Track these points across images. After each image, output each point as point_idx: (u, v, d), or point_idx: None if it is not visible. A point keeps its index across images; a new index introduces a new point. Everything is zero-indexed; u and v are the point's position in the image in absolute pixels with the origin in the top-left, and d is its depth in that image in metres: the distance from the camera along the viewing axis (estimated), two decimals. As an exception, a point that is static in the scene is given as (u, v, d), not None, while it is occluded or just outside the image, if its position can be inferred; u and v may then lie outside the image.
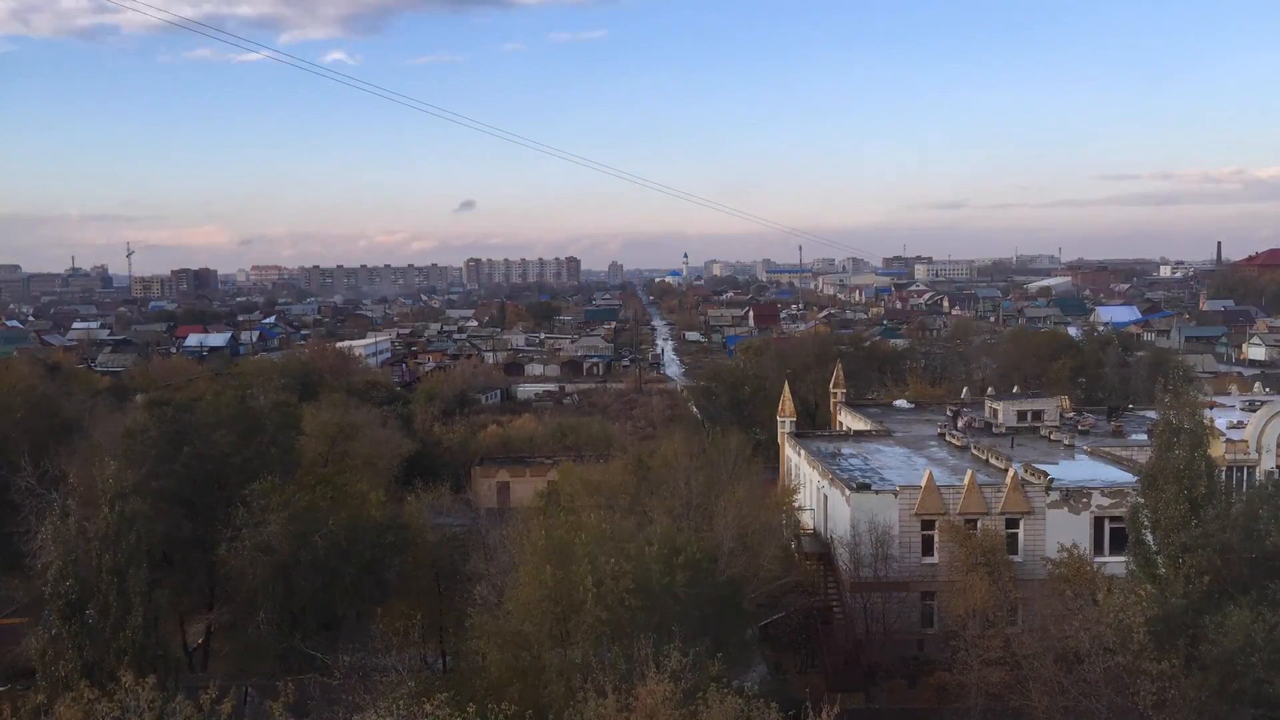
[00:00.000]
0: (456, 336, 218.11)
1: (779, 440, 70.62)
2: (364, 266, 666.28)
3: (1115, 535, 48.61)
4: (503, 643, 33.87)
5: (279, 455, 51.13)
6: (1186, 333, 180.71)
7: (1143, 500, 33.93)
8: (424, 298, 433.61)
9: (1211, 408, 62.44)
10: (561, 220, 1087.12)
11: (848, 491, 51.65)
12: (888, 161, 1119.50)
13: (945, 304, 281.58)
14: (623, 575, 31.73)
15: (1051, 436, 65.49)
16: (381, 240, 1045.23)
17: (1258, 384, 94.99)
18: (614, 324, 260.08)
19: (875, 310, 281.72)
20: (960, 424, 69.23)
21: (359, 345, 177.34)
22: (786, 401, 70.03)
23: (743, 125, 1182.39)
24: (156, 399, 53.89)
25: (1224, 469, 46.73)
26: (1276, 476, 53.71)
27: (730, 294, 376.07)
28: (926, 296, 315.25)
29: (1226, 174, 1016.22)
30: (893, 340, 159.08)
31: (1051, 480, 51.11)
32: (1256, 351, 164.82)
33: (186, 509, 47.41)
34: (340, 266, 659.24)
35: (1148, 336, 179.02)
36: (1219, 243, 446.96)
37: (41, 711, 28.25)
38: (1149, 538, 33.35)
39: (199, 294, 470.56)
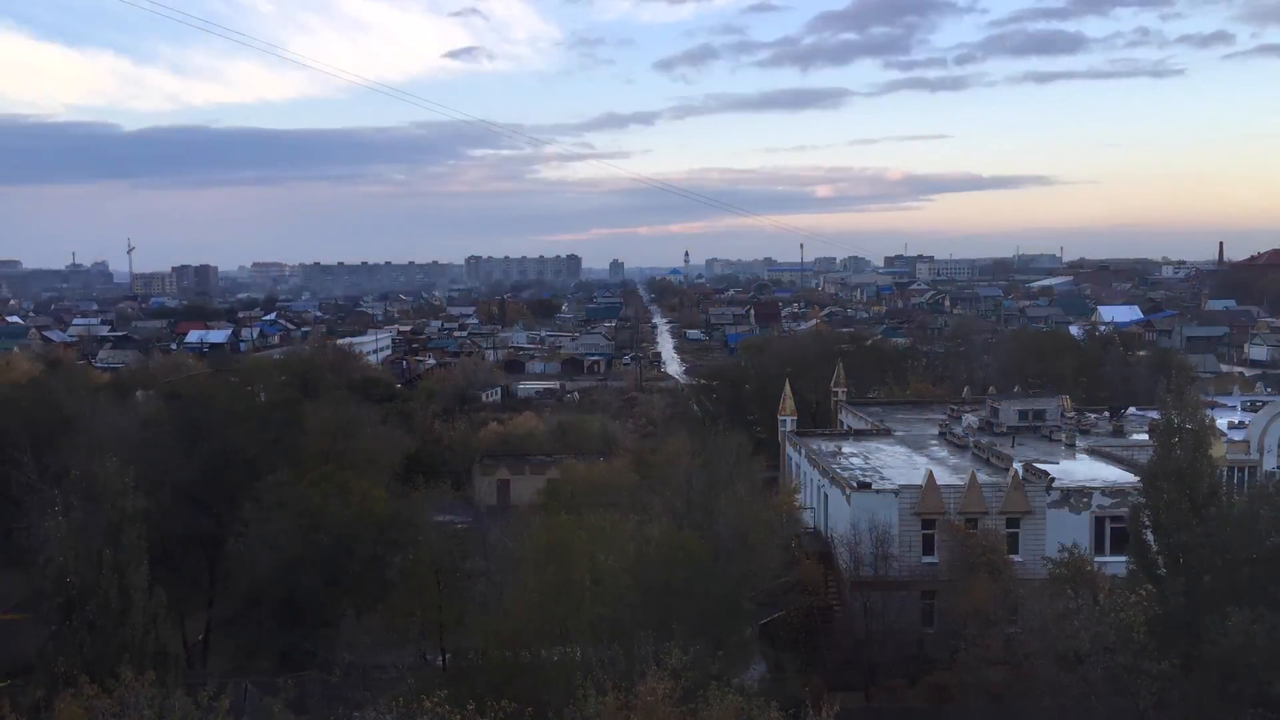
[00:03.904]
0: (457, 334, 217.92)
1: (780, 439, 70.61)
2: (364, 263, 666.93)
3: (1116, 535, 48.57)
4: (503, 640, 33.91)
5: (283, 452, 51.25)
6: (1188, 332, 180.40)
7: (1144, 500, 33.88)
8: (424, 295, 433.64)
9: (1213, 408, 62.45)
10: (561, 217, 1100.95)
11: (848, 490, 51.65)
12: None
13: (946, 303, 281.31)
14: (622, 573, 31.75)
15: (1052, 436, 65.46)
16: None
17: (1259, 384, 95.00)
18: (615, 322, 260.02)
19: (876, 309, 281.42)
20: (964, 424, 69.19)
21: (360, 342, 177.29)
22: (787, 400, 70.01)
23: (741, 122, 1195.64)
24: (170, 393, 54.02)
25: (1225, 469, 46.68)
26: (1277, 477, 53.68)
27: (731, 292, 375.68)
28: (928, 295, 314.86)
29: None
30: (894, 339, 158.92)
31: (1052, 480, 51.09)
32: (1258, 352, 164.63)
33: (194, 504, 47.53)
34: (341, 263, 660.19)
35: (1149, 336, 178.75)
36: (1221, 242, 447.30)
37: (41, 707, 28.25)
38: (1150, 538, 33.32)
39: (199, 290, 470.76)
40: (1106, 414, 74.16)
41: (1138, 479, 43.28)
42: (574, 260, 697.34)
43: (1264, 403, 68.15)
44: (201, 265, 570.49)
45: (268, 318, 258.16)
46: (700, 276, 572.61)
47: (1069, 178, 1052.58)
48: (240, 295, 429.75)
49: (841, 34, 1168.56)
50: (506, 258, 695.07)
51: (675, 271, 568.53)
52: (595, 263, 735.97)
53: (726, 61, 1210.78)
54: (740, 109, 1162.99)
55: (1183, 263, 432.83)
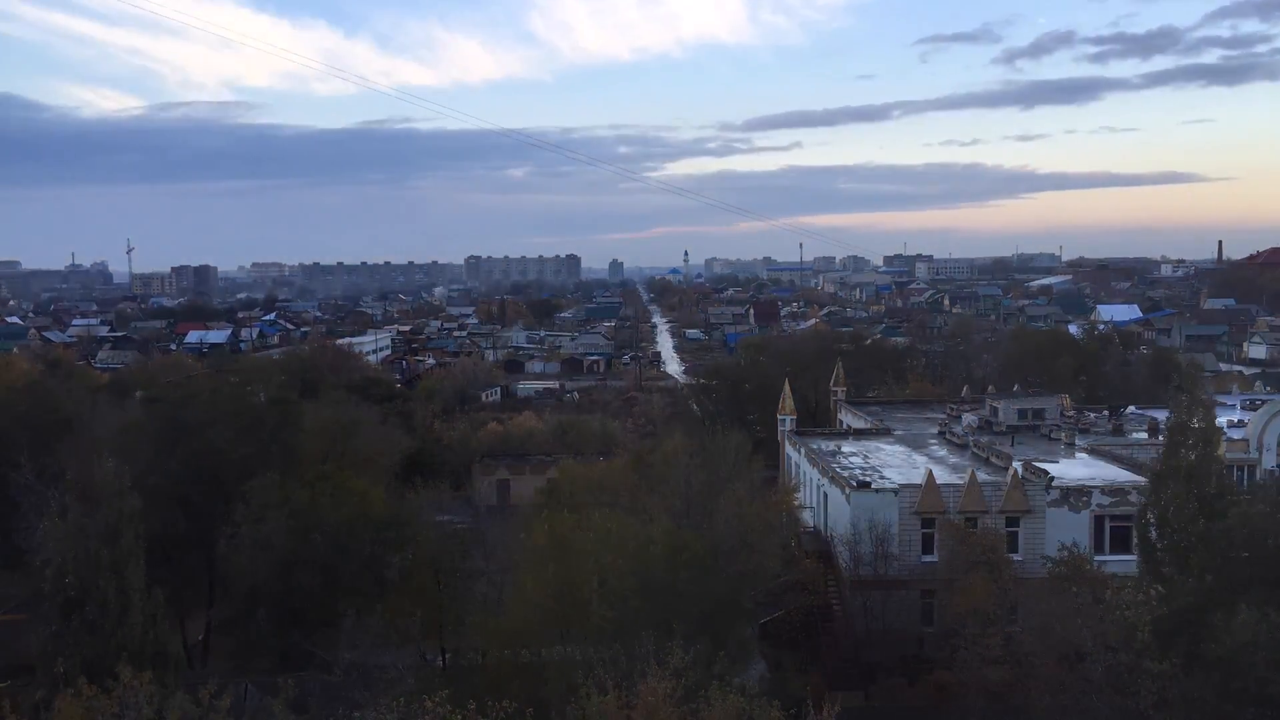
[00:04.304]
0: (457, 334, 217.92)
1: (779, 438, 70.58)
2: (364, 263, 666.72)
3: (1115, 534, 48.58)
4: (503, 640, 33.93)
5: (279, 452, 51.17)
6: (1187, 331, 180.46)
7: (1150, 499, 33.86)
8: (424, 295, 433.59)
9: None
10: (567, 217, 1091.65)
11: (848, 490, 51.63)
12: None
13: (946, 302, 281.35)
14: (626, 574, 31.75)
15: (1052, 435, 65.45)
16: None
17: (1258, 383, 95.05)
18: (614, 321, 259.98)
19: (876, 308, 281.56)
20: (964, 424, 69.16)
21: (359, 342, 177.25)
22: (787, 399, 69.96)
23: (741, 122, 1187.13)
24: (153, 395, 53.98)
25: (1224, 468, 46.68)
26: (1277, 475, 53.74)
27: (731, 291, 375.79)
28: (927, 295, 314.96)
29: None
30: (893, 338, 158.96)
31: (1052, 479, 51.08)
32: (1257, 350, 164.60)
33: (185, 506, 47.48)
34: (340, 263, 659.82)
35: (1149, 335, 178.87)
36: (1220, 241, 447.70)
37: (41, 708, 28.23)
38: (1154, 536, 33.30)
39: (199, 291, 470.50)
40: (1106, 413, 74.16)
41: (1138, 478, 43.29)
42: (573, 260, 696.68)
43: (1263, 401, 68.15)
44: (201, 265, 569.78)
45: (267, 318, 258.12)
46: (699, 276, 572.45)
47: (1214, 175, 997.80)
48: (240, 295, 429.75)
49: (1198, 30, 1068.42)
50: (506, 257, 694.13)
51: (674, 271, 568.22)
52: (595, 262, 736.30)
53: (1073, 51, 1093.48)
54: (975, 104, 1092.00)
55: (1182, 261, 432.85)
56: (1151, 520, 33.04)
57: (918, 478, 52.21)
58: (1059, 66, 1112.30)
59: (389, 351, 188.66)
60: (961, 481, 51.51)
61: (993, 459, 57.65)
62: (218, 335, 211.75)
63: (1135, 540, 34.30)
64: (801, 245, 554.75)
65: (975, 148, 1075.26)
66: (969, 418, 69.80)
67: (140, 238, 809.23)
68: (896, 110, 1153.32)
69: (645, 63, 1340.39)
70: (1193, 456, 32.26)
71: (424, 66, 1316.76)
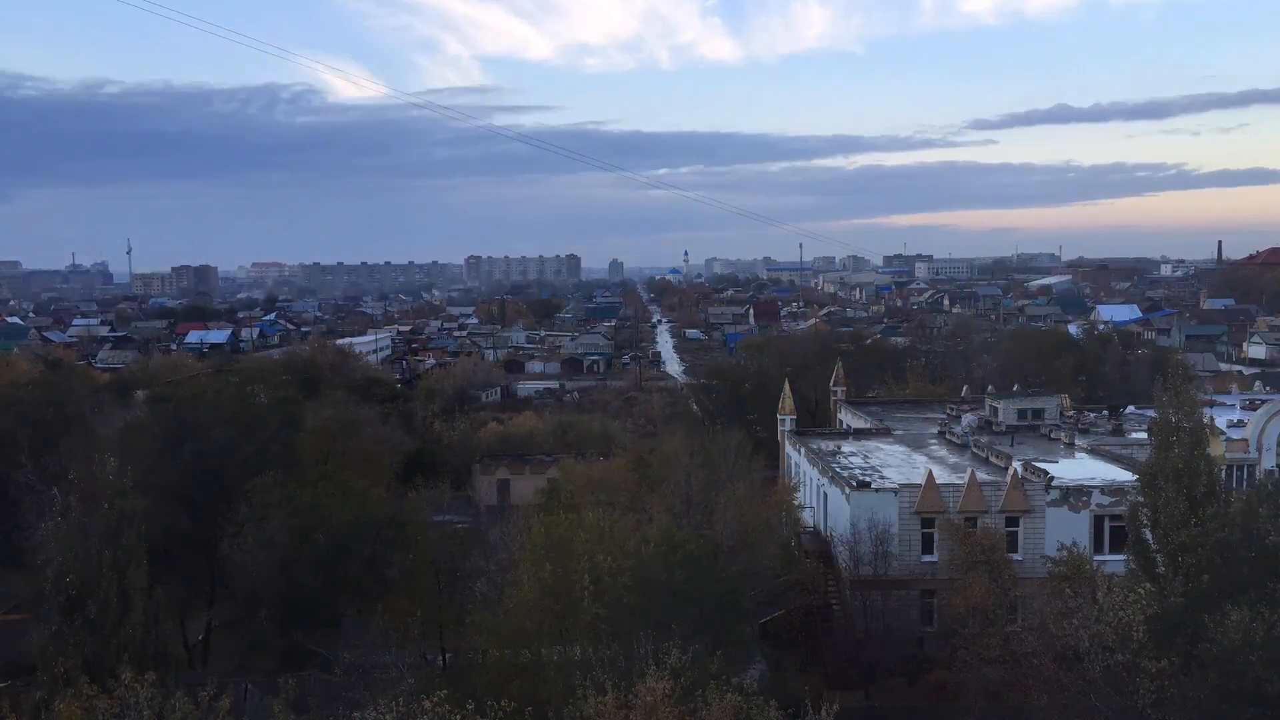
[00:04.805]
0: (457, 334, 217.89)
1: (779, 438, 70.63)
2: (364, 264, 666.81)
3: (1115, 534, 48.56)
4: (502, 640, 33.97)
5: (280, 452, 51.25)
6: (1187, 331, 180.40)
7: (1142, 499, 33.89)
8: (424, 295, 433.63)
9: (1211, 406, 62.46)
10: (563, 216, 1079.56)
11: (848, 489, 51.68)
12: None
13: (946, 302, 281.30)
14: (620, 572, 31.79)
15: (1051, 435, 65.49)
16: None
17: (1258, 383, 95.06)
18: (614, 321, 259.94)
19: (876, 308, 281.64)
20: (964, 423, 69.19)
21: (359, 342, 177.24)
22: (787, 399, 70.00)
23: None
24: (157, 395, 54.12)
25: (1224, 468, 46.71)
26: (1276, 475, 53.77)
27: (731, 292, 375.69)
28: (927, 295, 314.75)
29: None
30: (893, 338, 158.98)
31: (1051, 478, 51.13)
32: (1257, 350, 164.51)
33: (187, 505, 47.56)
34: (341, 263, 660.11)
35: (1148, 335, 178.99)
36: (1219, 241, 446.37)
37: (42, 708, 28.26)
38: (1149, 536, 33.32)
39: (199, 291, 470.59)
40: (1105, 413, 74.18)
41: (1137, 478, 43.20)
42: (574, 260, 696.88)
43: (1263, 401, 68.20)
44: (201, 265, 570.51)
45: (268, 318, 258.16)
46: (699, 276, 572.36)
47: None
48: (240, 295, 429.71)
49: None
50: (506, 257, 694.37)
51: (674, 271, 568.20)
52: (595, 262, 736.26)
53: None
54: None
55: (1181, 261, 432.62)
56: (1144, 520, 33.05)
57: (918, 477, 52.27)
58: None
59: (389, 351, 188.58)
60: (961, 481, 51.57)
61: (993, 459, 57.70)
62: (218, 335, 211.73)
63: (1128, 540, 34.24)
64: (801, 245, 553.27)
65: (1177, 141, 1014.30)
66: (969, 418, 69.85)
67: (140, 238, 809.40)
68: (1177, 106, 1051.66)
69: (1000, 28, 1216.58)
70: (1181, 455, 32.25)
71: (729, 37, 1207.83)
